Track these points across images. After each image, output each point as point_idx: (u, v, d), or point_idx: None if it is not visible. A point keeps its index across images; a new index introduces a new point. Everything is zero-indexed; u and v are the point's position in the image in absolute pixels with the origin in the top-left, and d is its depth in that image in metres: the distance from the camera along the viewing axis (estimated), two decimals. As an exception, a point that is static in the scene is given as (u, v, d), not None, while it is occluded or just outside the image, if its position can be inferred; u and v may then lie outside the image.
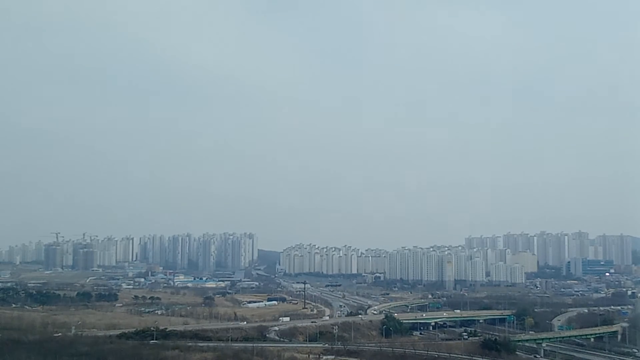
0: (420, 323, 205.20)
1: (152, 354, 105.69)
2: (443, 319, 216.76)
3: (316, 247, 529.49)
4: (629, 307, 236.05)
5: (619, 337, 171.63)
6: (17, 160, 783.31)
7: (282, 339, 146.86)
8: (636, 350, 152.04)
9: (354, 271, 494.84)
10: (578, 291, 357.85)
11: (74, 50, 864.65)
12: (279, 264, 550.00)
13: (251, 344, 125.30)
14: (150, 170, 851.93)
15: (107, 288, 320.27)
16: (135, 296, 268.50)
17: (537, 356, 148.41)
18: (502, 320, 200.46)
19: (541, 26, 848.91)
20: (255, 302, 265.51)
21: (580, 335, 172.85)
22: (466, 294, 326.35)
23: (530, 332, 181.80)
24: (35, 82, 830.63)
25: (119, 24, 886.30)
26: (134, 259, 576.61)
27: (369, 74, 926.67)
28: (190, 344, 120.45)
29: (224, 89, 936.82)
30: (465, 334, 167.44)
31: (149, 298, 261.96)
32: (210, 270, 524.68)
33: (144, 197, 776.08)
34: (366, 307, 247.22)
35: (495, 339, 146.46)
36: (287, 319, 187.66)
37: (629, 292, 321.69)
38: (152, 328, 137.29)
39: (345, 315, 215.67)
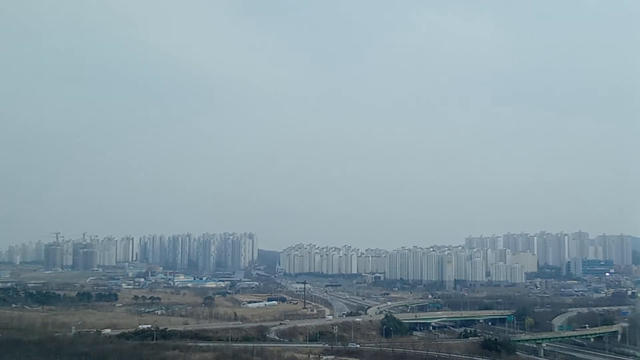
0: (420, 323, 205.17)
1: (152, 354, 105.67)
2: (443, 319, 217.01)
3: (316, 247, 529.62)
4: (629, 307, 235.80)
5: (619, 337, 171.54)
6: (17, 160, 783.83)
7: (282, 339, 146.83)
8: (636, 351, 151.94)
9: (354, 271, 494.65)
10: (578, 291, 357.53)
11: (74, 50, 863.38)
12: (279, 264, 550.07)
13: (251, 344, 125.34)
14: (150, 170, 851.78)
15: (107, 288, 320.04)
16: (135, 296, 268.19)
17: (537, 356, 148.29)
18: (502, 320, 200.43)
19: (539, 26, 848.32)
20: (255, 302, 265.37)
21: (580, 335, 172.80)
22: (466, 294, 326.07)
23: (531, 332, 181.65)
24: (35, 81, 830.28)
25: (119, 24, 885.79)
26: (134, 259, 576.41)
27: (368, 74, 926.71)
28: (190, 344, 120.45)
29: (223, 89, 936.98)
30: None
31: (149, 298, 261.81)
32: (210, 270, 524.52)
33: (144, 197, 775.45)
34: (366, 307, 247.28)
35: (495, 339, 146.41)
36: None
37: (629, 292, 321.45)
38: (152, 328, 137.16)
39: (345, 315, 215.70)
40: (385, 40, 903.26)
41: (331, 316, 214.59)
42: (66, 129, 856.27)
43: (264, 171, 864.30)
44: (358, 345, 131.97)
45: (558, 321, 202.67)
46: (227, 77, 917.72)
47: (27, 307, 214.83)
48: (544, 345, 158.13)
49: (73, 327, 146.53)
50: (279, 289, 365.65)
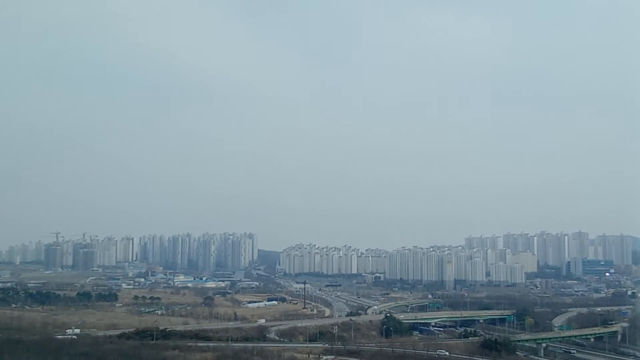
0: (420, 323, 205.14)
1: (152, 354, 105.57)
2: (443, 319, 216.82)
3: (316, 247, 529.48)
4: (629, 307, 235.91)
5: (619, 337, 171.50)
6: (17, 160, 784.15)
7: (282, 339, 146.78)
8: (636, 351, 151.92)
9: (354, 271, 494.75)
10: (578, 291, 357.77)
11: (74, 50, 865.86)
12: (279, 264, 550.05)
13: (251, 344, 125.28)
14: (150, 170, 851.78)
15: (107, 288, 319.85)
16: (135, 296, 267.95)
17: (537, 356, 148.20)
18: (502, 320, 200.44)
19: (537, 25, 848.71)
20: (255, 302, 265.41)
21: (580, 335, 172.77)
22: (466, 294, 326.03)
23: (531, 332, 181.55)
24: (34, 81, 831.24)
25: (118, 24, 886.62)
26: (134, 259, 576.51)
27: (367, 74, 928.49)
28: (190, 344, 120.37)
29: (223, 89, 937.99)
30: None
31: (149, 298, 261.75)
32: (210, 270, 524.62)
33: (144, 197, 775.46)
34: (366, 307, 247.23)
35: (495, 339, 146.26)
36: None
37: (629, 292, 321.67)
38: (152, 328, 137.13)
39: (345, 315, 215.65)
40: (383, 40, 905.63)
41: (331, 316, 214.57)
42: (66, 129, 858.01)
43: (264, 171, 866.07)
44: None
45: (558, 321, 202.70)
46: (226, 76, 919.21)
47: (27, 307, 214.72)
48: (544, 345, 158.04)
49: (73, 327, 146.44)
50: (279, 289, 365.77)
